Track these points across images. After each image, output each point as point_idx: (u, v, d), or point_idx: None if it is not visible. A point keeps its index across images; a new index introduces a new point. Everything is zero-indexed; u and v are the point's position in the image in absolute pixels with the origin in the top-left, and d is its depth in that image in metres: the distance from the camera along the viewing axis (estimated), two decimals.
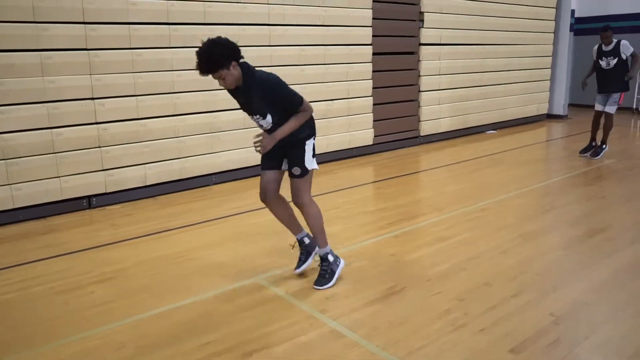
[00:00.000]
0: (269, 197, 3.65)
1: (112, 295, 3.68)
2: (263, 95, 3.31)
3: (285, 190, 3.68)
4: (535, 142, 9.96)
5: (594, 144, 7.99)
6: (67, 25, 5.35)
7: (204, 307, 3.46)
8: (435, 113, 9.53)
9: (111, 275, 4.00)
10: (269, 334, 3.11)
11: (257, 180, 3.75)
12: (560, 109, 12.45)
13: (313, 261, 3.88)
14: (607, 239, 4.62)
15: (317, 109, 7.64)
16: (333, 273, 3.71)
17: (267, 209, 3.78)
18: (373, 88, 8.37)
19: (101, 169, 5.75)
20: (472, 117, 10.33)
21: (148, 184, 6.13)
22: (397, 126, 8.95)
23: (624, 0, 12.95)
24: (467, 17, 9.75)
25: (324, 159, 7.77)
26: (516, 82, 11.24)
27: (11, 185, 5.22)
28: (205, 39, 3.20)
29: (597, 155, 7.84)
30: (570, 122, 11.94)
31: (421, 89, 9.20)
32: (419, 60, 9.07)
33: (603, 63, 7.56)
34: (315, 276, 3.76)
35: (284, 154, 3.57)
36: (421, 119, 9.32)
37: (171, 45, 6.07)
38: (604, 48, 7.49)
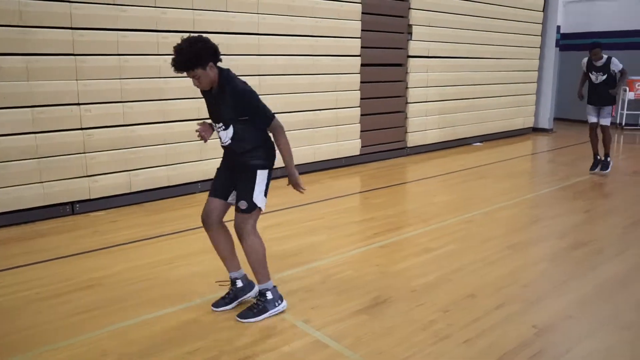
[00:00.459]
0: (212, 224, 3.42)
1: (96, 302, 3.64)
2: (234, 104, 3.17)
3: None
4: (521, 155, 10.07)
5: (598, 157, 7.90)
6: (54, 30, 5.32)
7: (189, 316, 3.43)
8: (422, 125, 9.59)
9: (96, 282, 3.96)
10: (253, 343, 3.09)
11: None
12: (545, 122, 12.59)
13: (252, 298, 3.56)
14: (592, 251, 4.66)
15: (304, 119, 7.81)
16: (265, 311, 3.37)
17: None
18: (361, 99, 8.40)
19: (85, 174, 5.70)
20: (459, 129, 10.41)
21: (133, 190, 6.08)
22: (385, 137, 9.00)
23: (608, 17, 13.20)
24: (454, 30, 9.86)
25: (310, 168, 7.78)
26: (503, 96, 11.36)
27: None
28: (185, 36, 3.12)
29: (607, 169, 7.76)
30: (555, 136, 12.08)
31: (409, 101, 9.27)
32: (406, 72, 9.14)
33: (593, 77, 7.62)
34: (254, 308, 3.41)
35: (235, 184, 3.36)
36: (408, 130, 9.38)
37: (160, 53, 6.05)
38: (594, 63, 7.51)
